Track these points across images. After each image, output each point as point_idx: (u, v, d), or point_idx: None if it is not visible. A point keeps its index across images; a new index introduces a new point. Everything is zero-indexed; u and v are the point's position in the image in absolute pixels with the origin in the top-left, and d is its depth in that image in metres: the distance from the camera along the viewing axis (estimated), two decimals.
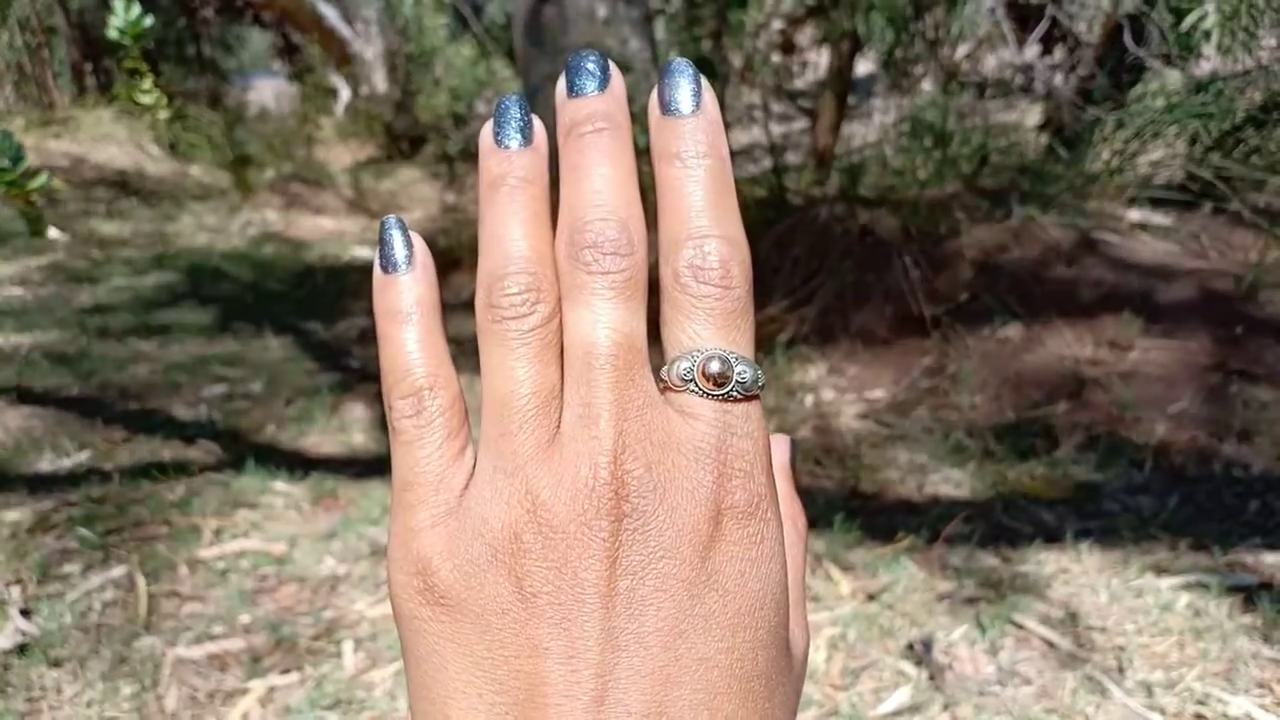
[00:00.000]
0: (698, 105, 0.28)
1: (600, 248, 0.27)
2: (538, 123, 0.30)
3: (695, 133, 0.28)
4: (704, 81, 0.29)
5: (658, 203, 0.28)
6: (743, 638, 0.25)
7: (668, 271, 0.27)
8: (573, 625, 0.24)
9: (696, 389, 0.26)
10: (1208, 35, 2.64)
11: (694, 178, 0.28)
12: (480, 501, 0.26)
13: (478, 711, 0.25)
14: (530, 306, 0.27)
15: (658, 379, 0.27)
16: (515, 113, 0.30)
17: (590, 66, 0.29)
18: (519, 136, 0.29)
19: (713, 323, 0.27)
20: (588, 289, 0.27)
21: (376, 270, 0.30)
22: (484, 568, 0.26)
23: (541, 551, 0.25)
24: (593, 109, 0.29)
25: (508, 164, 0.29)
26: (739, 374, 0.26)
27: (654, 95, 0.29)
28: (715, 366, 0.26)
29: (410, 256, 0.30)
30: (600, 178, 0.28)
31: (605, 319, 0.27)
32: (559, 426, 0.27)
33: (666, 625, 0.24)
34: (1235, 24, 2.55)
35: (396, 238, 0.30)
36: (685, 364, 0.26)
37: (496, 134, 0.30)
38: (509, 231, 0.28)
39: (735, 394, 0.26)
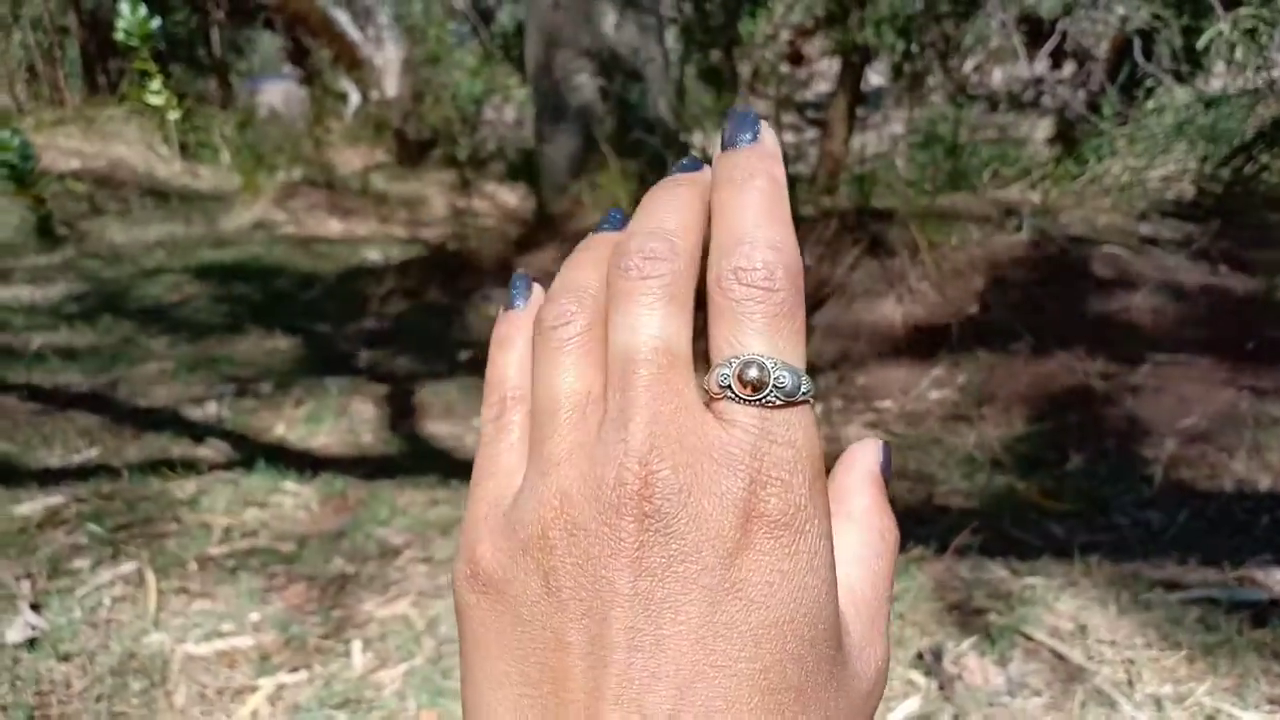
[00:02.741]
0: (755, 137, 0.29)
1: (642, 253, 0.28)
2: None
3: (749, 158, 0.29)
4: (765, 124, 0.30)
5: (712, 226, 0.29)
6: (768, 649, 0.25)
7: (711, 277, 0.28)
8: (593, 622, 0.25)
9: (734, 395, 0.26)
10: (1219, 52, 2.65)
11: (746, 195, 0.28)
12: (521, 499, 0.28)
13: (508, 702, 0.26)
14: (570, 315, 0.29)
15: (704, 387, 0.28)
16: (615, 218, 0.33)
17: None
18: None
19: (753, 326, 0.27)
20: (628, 295, 0.28)
21: (500, 310, 0.34)
22: (517, 560, 0.27)
23: (566, 547, 0.26)
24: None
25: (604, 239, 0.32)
26: (776, 379, 0.26)
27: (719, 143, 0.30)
28: (752, 373, 0.26)
29: (527, 301, 0.33)
30: (691, 209, 0.30)
31: (643, 324, 0.27)
32: (598, 430, 0.27)
33: (685, 629, 0.24)
34: (1248, 42, 2.56)
35: (521, 287, 0.34)
36: (724, 370, 0.26)
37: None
38: (577, 271, 0.30)
39: (774, 400, 0.26)
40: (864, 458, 0.33)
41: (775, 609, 0.25)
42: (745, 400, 0.26)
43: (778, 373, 0.26)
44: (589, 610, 0.25)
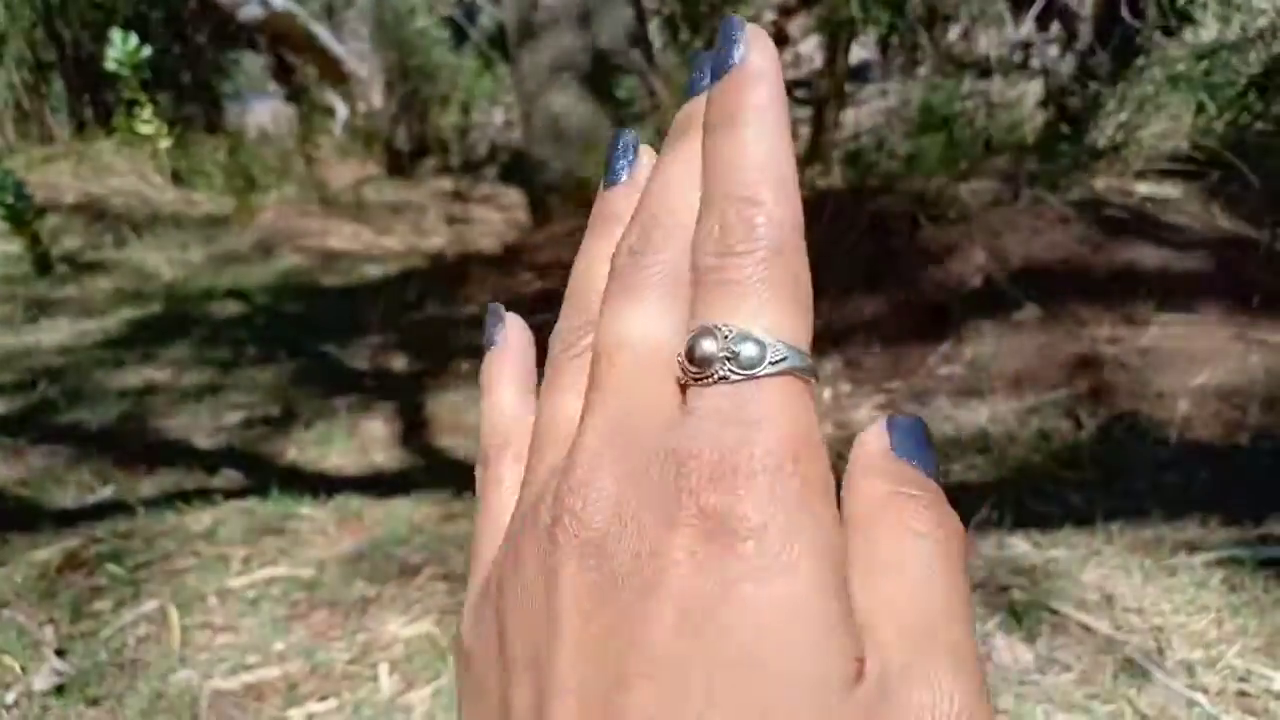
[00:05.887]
0: (740, 58, 0.24)
1: (630, 249, 0.26)
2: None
3: (728, 91, 0.25)
4: (752, 33, 0.25)
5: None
6: (731, 695, 0.19)
7: (693, 245, 0.24)
8: (538, 676, 0.21)
9: (692, 376, 0.22)
10: (1205, 4, 2.62)
11: (725, 141, 0.24)
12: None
13: None
14: (573, 336, 0.27)
15: None
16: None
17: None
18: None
19: (722, 294, 0.23)
20: (611, 296, 0.26)
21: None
22: (479, 619, 0.25)
23: (513, 592, 0.23)
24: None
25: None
26: (727, 351, 0.22)
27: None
28: (705, 346, 0.22)
29: (504, 338, 0.31)
30: None
31: (619, 320, 0.25)
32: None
33: (634, 672, 0.20)
34: None
35: (494, 323, 0.31)
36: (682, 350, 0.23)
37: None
38: (579, 278, 0.29)
39: (730, 374, 0.22)
40: (862, 445, 0.25)
41: (735, 646, 0.19)
42: (698, 380, 0.22)
43: (736, 345, 0.22)
44: (532, 663, 0.21)
